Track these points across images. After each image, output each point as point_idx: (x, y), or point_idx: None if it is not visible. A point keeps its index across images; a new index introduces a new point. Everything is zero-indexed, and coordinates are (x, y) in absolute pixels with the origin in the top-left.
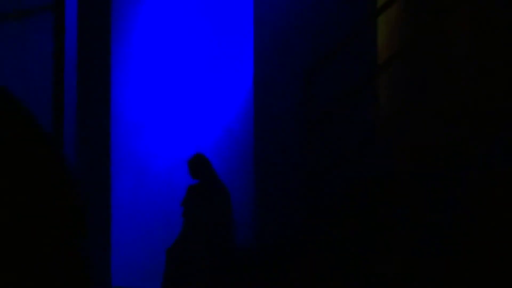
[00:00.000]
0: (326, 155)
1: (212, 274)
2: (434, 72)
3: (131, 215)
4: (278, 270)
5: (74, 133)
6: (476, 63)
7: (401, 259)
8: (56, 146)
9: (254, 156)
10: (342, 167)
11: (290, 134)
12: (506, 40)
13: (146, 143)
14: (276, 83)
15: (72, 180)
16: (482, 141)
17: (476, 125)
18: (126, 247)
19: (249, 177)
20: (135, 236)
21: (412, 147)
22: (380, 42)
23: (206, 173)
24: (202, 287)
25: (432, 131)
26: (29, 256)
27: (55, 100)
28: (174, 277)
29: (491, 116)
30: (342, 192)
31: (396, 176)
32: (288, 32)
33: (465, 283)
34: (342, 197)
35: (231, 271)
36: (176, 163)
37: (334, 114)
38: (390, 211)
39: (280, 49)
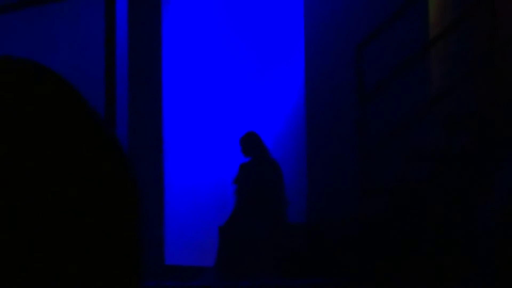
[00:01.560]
0: (379, 130)
1: (264, 251)
2: (486, 46)
3: (183, 194)
4: (330, 249)
5: (127, 113)
6: None
7: (463, 241)
8: (112, 130)
9: (306, 133)
10: (396, 142)
11: (341, 110)
12: None
13: (200, 124)
14: (327, 58)
15: (128, 161)
16: None
17: None
18: (179, 226)
19: (301, 155)
20: (187, 214)
21: (466, 121)
22: (432, 15)
23: (258, 150)
24: (255, 264)
25: (487, 105)
26: (86, 235)
27: (108, 82)
28: (227, 255)
29: None
30: (397, 169)
31: (451, 151)
32: (338, 6)
33: None
34: (397, 173)
35: (283, 247)
36: (229, 143)
37: (386, 88)
38: (447, 188)
39: (330, 24)
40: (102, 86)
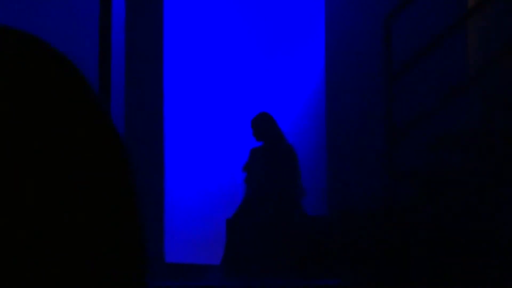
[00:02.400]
0: (408, 111)
1: (278, 247)
2: None
3: (185, 186)
4: (354, 242)
5: (124, 108)
6: None
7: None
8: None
9: (326, 116)
10: (427, 124)
11: (366, 91)
12: None
13: (205, 115)
14: (350, 33)
15: (126, 152)
16: None
17: None
18: (180, 220)
19: (320, 140)
20: (190, 208)
21: (507, 101)
22: None
23: (272, 134)
24: (268, 261)
25: None
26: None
27: (102, 74)
28: (236, 251)
29: None
30: (429, 153)
31: (490, 133)
32: None
33: None
34: (429, 159)
35: (299, 243)
36: (236, 130)
37: (416, 65)
38: (485, 175)
39: None
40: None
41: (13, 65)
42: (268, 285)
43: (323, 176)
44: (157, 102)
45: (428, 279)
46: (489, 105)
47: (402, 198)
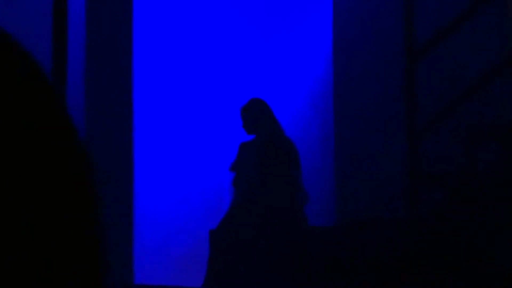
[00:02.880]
0: (434, 99)
1: (274, 263)
2: None
3: (158, 195)
4: (367, 258)
5: (83, 111)
6: None
7: None
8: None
9: (334, 105)
10: (458, 113)
11: (382, 73)
12: None
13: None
14: (363, 3)
15: (87, 160)
16: None
17: None
18: (152, 235)
19: (327, 134)
20: (164, 221)
21: None
22: None
23: (266, 124)
24: (260, 280)
25: None
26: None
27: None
28: (221, 268)
29: None
30: (459, 150)
31: None
32: None
33: None
34: (459, 157)
35: (300, 258)
36: (219, 129)
37: (444, 40)
38: None
39: None
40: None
41: None
42: None
43: (330, 179)
44: (124, 96)
45: None
46: None
47: (427, 204)
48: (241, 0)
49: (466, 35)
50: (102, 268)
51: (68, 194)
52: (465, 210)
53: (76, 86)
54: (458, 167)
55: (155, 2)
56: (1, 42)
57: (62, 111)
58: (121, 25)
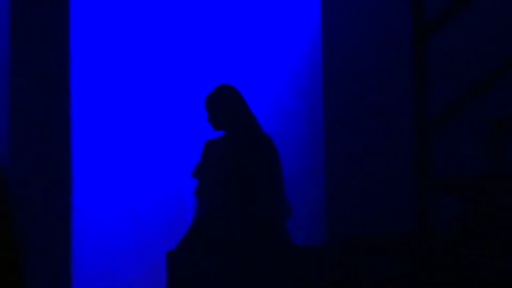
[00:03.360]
0: (448, 85)
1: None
2: None
3: (102, 212)
4: (365, 284)
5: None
6: None
7: None
8: None
9: (323, 93)
10: (476, 105)
11: (383, 54)
12: None
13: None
14: None
15: None
16: None
17: None
18: (94, 260)
19: (315, 131)
20: (108, 240)
21: None
22: None
23: (237, 118)
24: None
25: None
26: None
27: None
28: None
29: None
30: (480, 145)
31: None
32: None
33: None
34: (480, 155)
35: (280, 283)
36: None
37: (460, 11)
38: None
39: None
40: None
41: None
42: None
43: (320, 185)
44: (59, 95)
45: None
46: None
47: (441, 216)
48: None
49: (488, 3)
50: None
51: None
52: (488, 223)
53: None
54: (479, 170)
55: None
56: None
57: None
58: (55, 12)
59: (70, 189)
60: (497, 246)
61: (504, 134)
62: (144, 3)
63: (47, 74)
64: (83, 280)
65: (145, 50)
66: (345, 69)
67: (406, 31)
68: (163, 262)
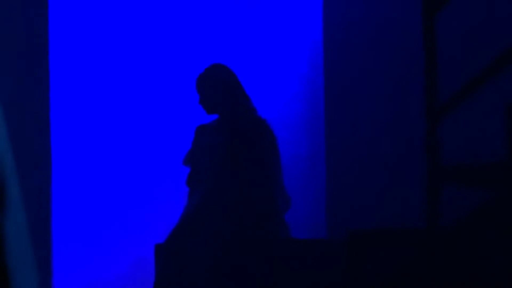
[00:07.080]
0: (460, 66)
1: (241, 284)
2: None
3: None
4: (370, 281)
5: None
6: None
7: None
8: None
9: (324, 79)
10: (492, 86)
11: (391, 29)
12: None
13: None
14: None
15: None
16: None
17: None
18: (76, 257)
19: (315, 119)
20: (92, 234)
21: None
22: None
23: (231, 101)
24: None
25: None
26: None
27: None
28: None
29: None
30: (500, 135)
31: None
32: None
33: None
34: (495, 144)
35: (278, 279)
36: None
37: None
38: None
39: None
40: None
41: None
42: None
43: (321, 175)
44: (40, 93)
45: None
46: None
47: (455, 209)
48: None
49: None
50: None
51: None
52: (508, 216)
53: None
54: (496, 158)
55: None
56: None
57: None
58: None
59: (50, 191)
60: None
61: None
62: (144, 3)
63: (28, 73)
64: (63, 277)
65: (144, 50)
66: (347, 51)
67: (414, 26)
68: (151, 256)
